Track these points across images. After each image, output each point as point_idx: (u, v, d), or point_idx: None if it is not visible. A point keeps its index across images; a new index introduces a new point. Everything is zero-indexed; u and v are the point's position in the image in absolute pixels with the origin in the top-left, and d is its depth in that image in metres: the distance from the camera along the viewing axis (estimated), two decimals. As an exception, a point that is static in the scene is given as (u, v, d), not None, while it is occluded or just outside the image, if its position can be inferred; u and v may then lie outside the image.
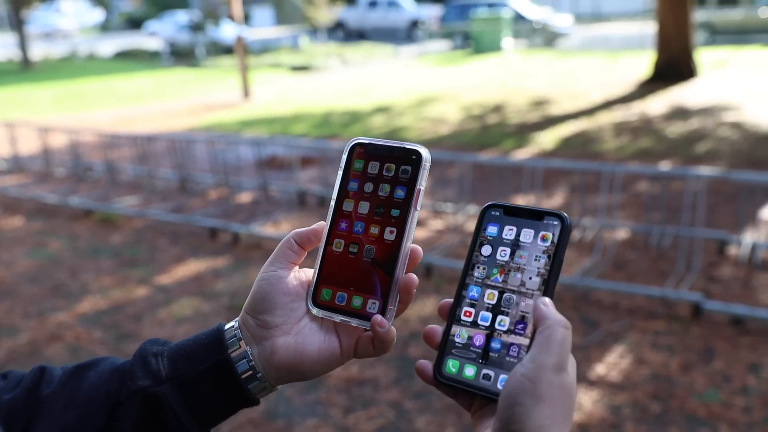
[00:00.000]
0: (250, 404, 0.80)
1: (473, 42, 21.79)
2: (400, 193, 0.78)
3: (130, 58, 26.04)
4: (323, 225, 0.81)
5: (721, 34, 19.99)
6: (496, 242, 0.75)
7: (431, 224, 5.84)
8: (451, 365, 0.73)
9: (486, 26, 21.34)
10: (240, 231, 5.67)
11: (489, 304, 0.73)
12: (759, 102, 10.41)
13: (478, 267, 0.75)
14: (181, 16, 30.91)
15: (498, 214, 0.77)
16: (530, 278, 0.72)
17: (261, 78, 17.78)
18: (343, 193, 0.81)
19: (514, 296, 0.72)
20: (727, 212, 5.53)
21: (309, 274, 0.81)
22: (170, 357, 0.79)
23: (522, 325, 0.71)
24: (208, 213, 6.36)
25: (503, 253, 0.74)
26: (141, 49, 26.85)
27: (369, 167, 0.80)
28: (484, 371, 0.71)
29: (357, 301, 0.77)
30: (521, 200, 5.72)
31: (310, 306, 0.79)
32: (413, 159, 0.78)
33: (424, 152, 0.78)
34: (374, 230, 0.78)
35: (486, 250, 0.75)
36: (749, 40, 19.18)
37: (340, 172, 0.81)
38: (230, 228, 5.73)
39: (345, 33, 28.65)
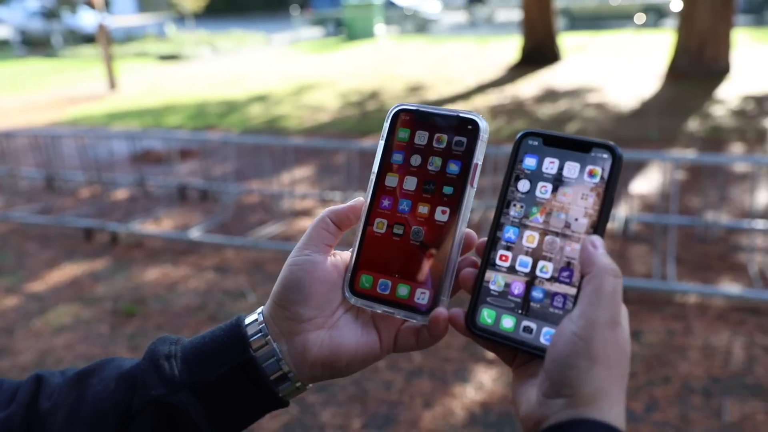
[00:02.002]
0: (279, 406, 0.71)
1: (346, 28, 21.80)
2: (453, 167, 0.68)
3: (-26, 47, 24.00)
4: (362, 201, 0.71)
5: (579, 20, 21.18)
6: (535, 176, 0.66)
7: (319, 213, 5.76)
8: (486, 315, 0.65)
9: (358, 13, 21.40)
10: (118, 230, 5.35)
11: (528, 247, 0.65)
12: (617, 83, 11.11)
13: (515, 205, 0.66)
14: (31, 2, 28.73)
15: (537, 143, 0.66)
16: (576, 219, 0.63)
17: (127, 68, 16.91)
18: (385, 166, 0.71)
19: (558, 239, 0.64)
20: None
21: (346, 258, 0.72)
22: (185, 358, 0.69)
23: (567, 273, 0.63)
24: (81, 213, 5.95)
25: (544, 190, 0.65)
26: (-13, 37, 24.80)
27: (416, 137, 0.70)
28: (525, 323, 0.63)
29: (403, 290, 0.68)
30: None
31: (347, 294, 0.70)
32: (469, 129, 0.68)
33: (482, 122, 0.68)
34: (423, 209, 0.69)
35: (523, 185, 0.66)
36: (603, 26, 20.46)
37: (382, 142, 0.71)
38: (107, 227, 5.39)
39: None
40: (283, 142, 6.05)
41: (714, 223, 4.73)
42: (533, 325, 0.63)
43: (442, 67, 14.14)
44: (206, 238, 5.11)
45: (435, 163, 0.69)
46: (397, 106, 0.72)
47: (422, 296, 0.68)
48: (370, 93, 11.75)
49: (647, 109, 9.17)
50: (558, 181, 0.65)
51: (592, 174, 0.63)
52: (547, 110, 9.44)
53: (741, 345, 3.44)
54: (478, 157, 0.68)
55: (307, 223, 5.49)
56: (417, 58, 16.05)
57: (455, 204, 0.68)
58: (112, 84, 13.67)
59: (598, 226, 0.62)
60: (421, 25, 24.07)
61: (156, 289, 4.47)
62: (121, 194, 6.62)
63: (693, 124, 8.17)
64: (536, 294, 0.64)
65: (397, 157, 0.71)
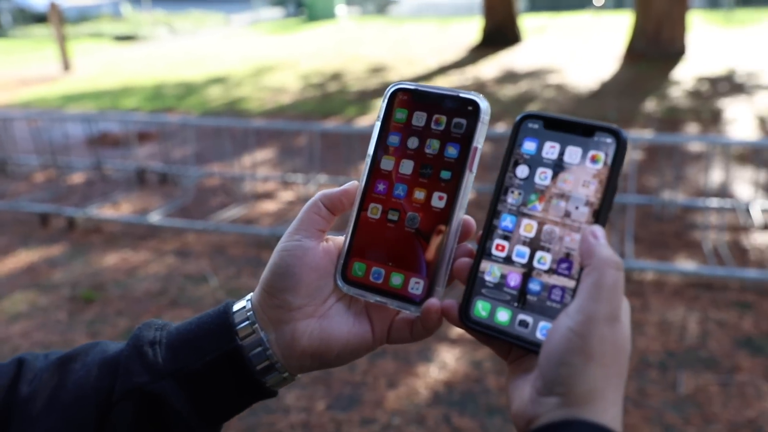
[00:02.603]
0: (266, 396, 0.68)
1: (306, 9, 21.55)
2: (452, 151, 0.65)
3: None
4: (356, 185, 0.68)
5: (539, 2, 21.28)
6: (535, 162, 0.62)
7: (281, 196, 5.73)
8: (481, 307, 0.62)
9: (318, -7, 21.15)
10: (75, 215, 5.24)
11: (526, 237, 0.62)
12: (576, 65, 11.22)
13: (512, 191, 0.63)
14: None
15: (537, 127, 0.63)
16: (576, 208, 0.60)
17: (81, 49, 16.46)
18: (381, 148, 0.68)
19: (557, 229, 0.61)
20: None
21: (340, 243, 0.69)
22: (170, 345, 0.66)
23: (566, 264, 0.60)
24: (36, 197, 5.82)
25: (543, 176, 0.62)
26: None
27: (414, 118, 0.67)
28: (521, 317, 0.60)
29: (396, 279, 0.66)
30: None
31: (338, 282, 0.67)
32: (469, 111, 0.65)
33: (483, 103, 0.65)
34: (419, 195, 0.66)
35: (522, 171, 0.63)
36: (563, 7, 20.57)
37: (378, 123, 0.68)
38: (63, 212, 5.28)
39: None
40: (243, 124, 5.97)
41: (670, 201, 4.83)
42: (529, 319, 0.60)
43: (404, 48, 14.10)
44: (166, 222, 5.03)
45: (433, 146, 0.66)
46: (395, 85, 0.69)
47: (416, 286, 0.65)
48: (331, 74, 11.66)
49: (606, 90, 9.28)
50: (558, 166, 0.62)
51: (594, 159, 0.61)
52: (508, 91, 9.49)
53: (695, 320, 3.54)
54: (478, 141, 0.65)
55: (269, 206, 5.45)
56: (378, 39, 15.96)
57: (453, 190, 0.65)
58: (66, 65, 13.31)
59: (599, 216, 0.59)
60: (383, 5, 23.93)
61: (115, 274, 4.40)
62: (77, 178, 6.48)
63: (650, 105, 8.31)
64: (533, 286, 0.61)
65: (394, 139, 0.68)
